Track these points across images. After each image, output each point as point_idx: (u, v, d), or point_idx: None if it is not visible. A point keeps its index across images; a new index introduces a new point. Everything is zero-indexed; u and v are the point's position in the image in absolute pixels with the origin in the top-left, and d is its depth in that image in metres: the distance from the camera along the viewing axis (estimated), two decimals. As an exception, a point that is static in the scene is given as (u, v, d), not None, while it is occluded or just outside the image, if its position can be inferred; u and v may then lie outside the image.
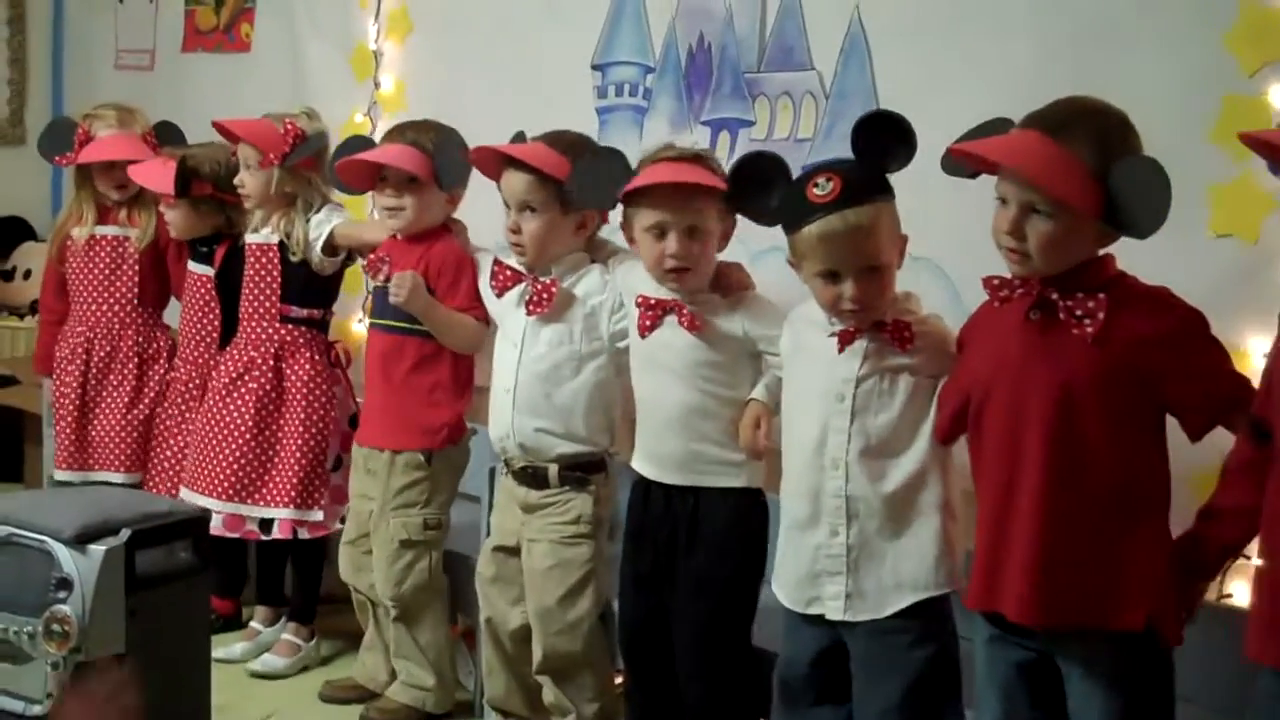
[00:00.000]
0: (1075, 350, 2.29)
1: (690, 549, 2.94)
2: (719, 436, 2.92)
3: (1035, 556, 2.32)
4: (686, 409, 2.93)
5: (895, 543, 2.60)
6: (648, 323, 2.96)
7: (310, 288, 3.89)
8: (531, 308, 3.21)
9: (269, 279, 3.88)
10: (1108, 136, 2.28)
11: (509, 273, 3.29)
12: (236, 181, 3.89)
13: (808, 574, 2.67)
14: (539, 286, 3.21)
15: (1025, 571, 2.33)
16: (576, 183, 3.08)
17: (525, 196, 3.19)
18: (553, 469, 3.22)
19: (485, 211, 3.52)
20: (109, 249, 4.26)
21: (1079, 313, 2.29)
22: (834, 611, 2.64)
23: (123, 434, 4.23)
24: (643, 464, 3.04)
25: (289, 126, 3.80)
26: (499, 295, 3.31)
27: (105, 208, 4.28)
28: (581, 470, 3.23)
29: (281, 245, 3.85)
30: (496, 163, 3.26)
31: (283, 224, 3.84)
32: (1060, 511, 2.31)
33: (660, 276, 2.95)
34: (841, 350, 2.60)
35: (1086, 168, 2.25)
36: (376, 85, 4.40)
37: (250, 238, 3.92)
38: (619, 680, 3.35)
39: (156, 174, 4.06)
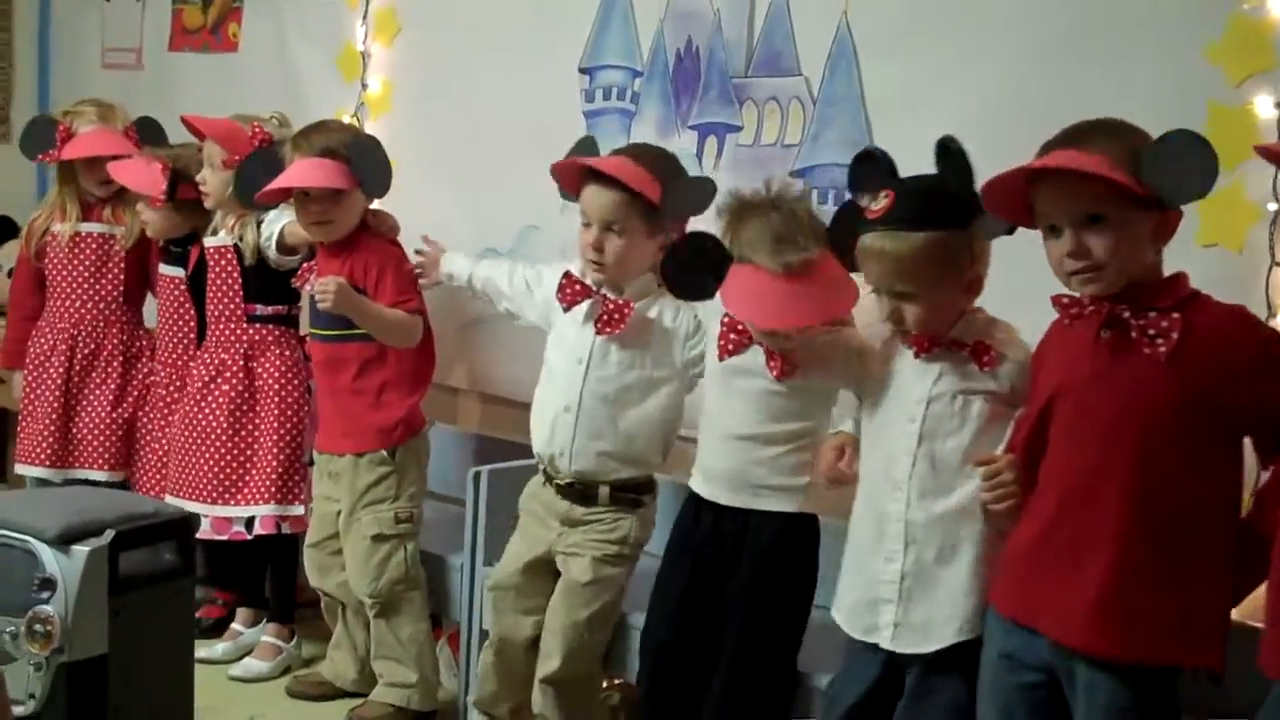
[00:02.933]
0: (1148, 371, 2.25)
1: (735, 571, 2.88)
2: (775, 461, 2.85)
3: (1111, 586, 2.26)
4: (748, 430, 2.87)
5: (949, 574, 2.55)
6: (730, 346, 2.88)
7: (273, 285, 3.89)
8: (602, 327, 3.12)
9: (230, 281, 3.89)
10: (1120, 132, 2.30)
11: (578, 286, 3.17)
12: (199, 178, 3.91)
13: (867, 600, 2.64)
14: (611, 305, 3.12)
15: (1099, 601, 2.27)
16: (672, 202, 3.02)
17: (610, 216, 3.08)
18: (604, 489, 3.16)
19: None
20: (95, 246, 4.26)
21: (1151, 331, 2.24)
22: (885, 640, 2.60)
23: (107, 432, 4.24)
24: (697, 480, 2.98)
25: (256, 130, 3.82)
26: (566, 309, 3.20)
27: (88, 204, 4.28)
28: (634, 491, 3.18)
29: (237, 247, 3.87)
30: (578, 176, 3.16)
31: (237, 227, 3.86)
32: (1136, 537, 2.25)
33: (767, 342, 2.85)
34: (917, 356, 2.57)
35: (1117, 162, 2.24)
36: (364, 86, 4.38)
37: (208, 241, 3.94)
38: (605, 686, 3.35)
39: (142, 175, 4.05)
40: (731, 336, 2.87)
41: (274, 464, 3.85)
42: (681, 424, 3.19)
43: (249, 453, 3.88)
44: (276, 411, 3.87)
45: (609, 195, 3.08)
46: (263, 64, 4.75)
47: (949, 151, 2.52)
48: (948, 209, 2.50)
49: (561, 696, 3.23)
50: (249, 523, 3.87)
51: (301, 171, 3.50)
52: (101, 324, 4.27)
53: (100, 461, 4.24)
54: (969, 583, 2.54)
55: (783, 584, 2.84)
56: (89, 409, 4.25)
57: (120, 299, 4.28)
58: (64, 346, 4.25)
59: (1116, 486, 2.27)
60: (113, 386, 4.25)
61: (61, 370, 4.24)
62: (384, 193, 3.51)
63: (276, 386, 3.88)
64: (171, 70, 5.13)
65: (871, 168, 2.62)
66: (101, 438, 4.24)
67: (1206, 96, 2.69)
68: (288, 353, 3.92)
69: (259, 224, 3.83)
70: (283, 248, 3.80)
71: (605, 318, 3.12)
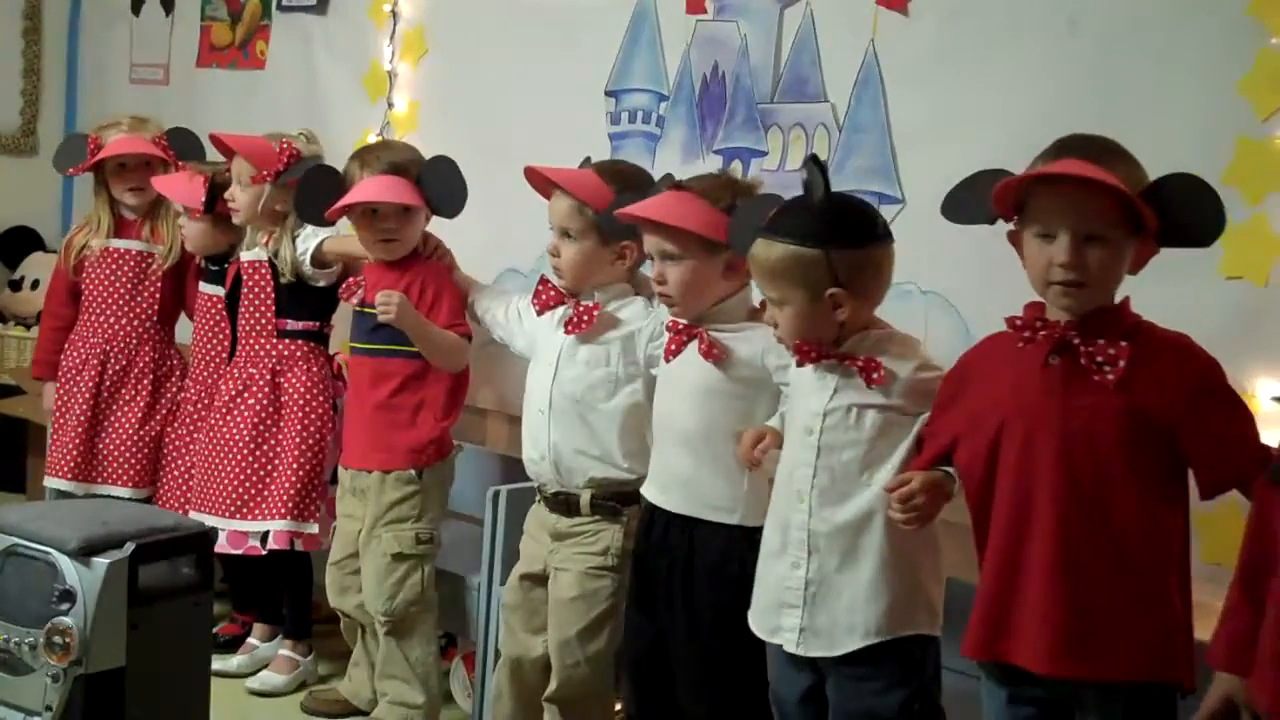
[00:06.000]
0: (1096, 397, 2.28)
1: (686, 582, 2.93)
2: (718, 469, 2.90)
3: (1055, 605, 2.29)
4: (689, 436, 2.94)
5: (851, 581, 2.60)
6: (673, 347, 2.98)
7: (306, 300, 3.91)
8: (571, 328, 3.20)
9: (263, 295, 3.90)
10: (1128, 157, 2.31)
11: (553, 293, 3.29)
12: (227, 195, 3.93)
13: (772, 603, 2.69)
14: (580, 308, 3.20)
15: (1045, 620, 2.30)
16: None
17: (564, 222, 3.21)
18: (585, 495, 3.20)
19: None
20: (133, 264, 4.26)
21: (1100, 359, 2.27)
22: (789, 644, 2.65)
23: (133, 449, 4.23)
24: (650, 488, 3.04)
25: (284, 146, 3.85)
26: (540, 313, 3.31)
27: (125, 221, 4.29)
28: (615, 500, 3.20)
29: (272, 262, 3.88)
30: (546, 184, 3.27)
31: (271, 242, 3.88)
32: (1079, 560, 2.29)
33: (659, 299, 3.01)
34: (800, 364, 2.65)
35: (1128, 186, 2.25)
36: (390, 106, 4.41)
37: (244, 255, 3.95)
38: (618, 708, 3.34)
39: (182, 187, 4.08)
40: (674, 337, 2.97)
41: (293, 479, 3.84)
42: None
43: (269, 467, 3.87)
44: (299, 427, 3.86)
45: (563, 202, 3.22)
46: (290, 82, 4.78)
47: (818, 167, 2.56)
48: (806, 227, 2.57)
49: (566, 713, 3.25)
50: (263, 538, 3.87)
51: (376, 188, 3.51)
52: (134, 341, 4.26)
53: (125, 478, 4.23)
54: (871, 589, 2.58)
55: (738, 598, 2.84)
56: (117, 425, 4.24)
57: (154, 317, 4.28)
58: (95, 362, 4.24)
59: (1065, 512, 2.29)
60: (141, 404, 4.25)
61: (92, 385, 4.23)
62: (458, 211, 3.54)
63: (301, 402, 3.87)
64: (199, 86, 5.15)
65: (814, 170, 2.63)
66: (127, 454, 4.23)
67: (1235, 130, 2.70)
68: (315, 369, 3.91)
69: (294, 238, 3.85)
70: (317, 262, 3.83)
71: (574, 319, 3.20)
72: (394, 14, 4.40)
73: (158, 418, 4.26)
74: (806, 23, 3.41)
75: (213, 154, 4.20)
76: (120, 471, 4.23)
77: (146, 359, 4.27)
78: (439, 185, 3.53)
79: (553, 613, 3.24)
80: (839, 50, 3.35)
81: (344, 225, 3.80)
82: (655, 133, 3.74)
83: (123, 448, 4.23)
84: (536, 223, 3.48)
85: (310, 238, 3.82)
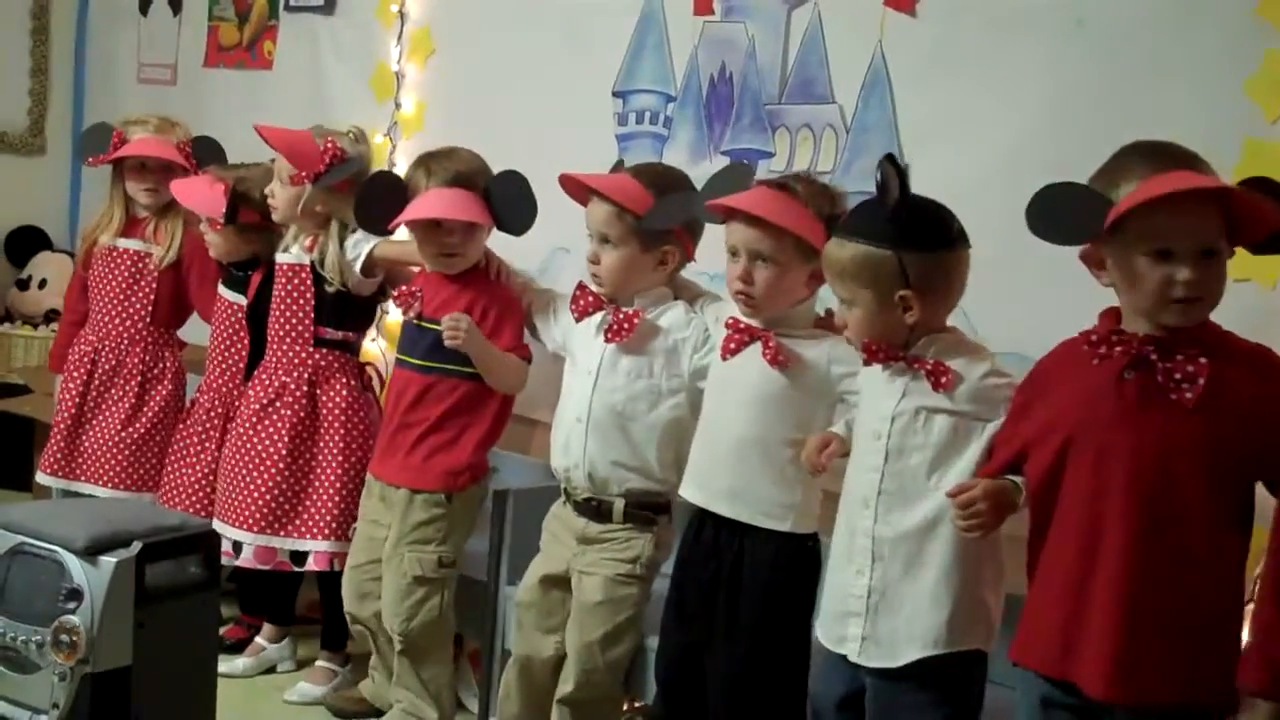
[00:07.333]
0: (1174, 417, 2.19)
1: (732, 588, 2.88)
2: (771, 475, 2.85)
3: (1120, 635, 2.23)
4: (744, 441, 2.88)
5: (914, 591, 2.55)
6: (732, 345, 2.91)
7: (347, 309, 3.80)
8: (611, 335, 3.15)
9: (301, 300, 3.78)
10: (1205, 164, 2.25)
11: (591, 298, 3.23)
12: (267, 191, 3.80)
13: (838, 612, 2.64)
14: (621, 315, 3.15)
15: (1111, 648, 2.23)
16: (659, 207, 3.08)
17: (603, 228, 3.14)
18: (619, 503, 3.16)
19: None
20: (129, 262, 4.23)
21: (1178, 376, 2.19)
22: (853, 653, 2.60)
23: (113, 450, 4.20)
24: (690, 489, 2.99)
25: (329, 145, 3.70)
26: (578, 319, 3.24)
27: (135, 219, 4.26)
28: (649, 510, 3.17)
29: (314, 266, 3.76)
30: (583, 191, 3.21)
31: (317, 247, 3.75)
32: (1147, 590, 2.21)
33: (732, 297, 2.92)
34: (867, 364, 2.61)
35: None
36: (397, 106, 4.42)
37: (281, 257, 3.82)
38: (626, 709, 3.34)
39: (203, 196, 3.99)
40: (734, 336, 2.90)
41: (334, 498, 3.74)
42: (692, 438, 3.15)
43: (304, 483, 3.77)
44: (341, 444, 3.76)
45: (601, 208, 3.15)
46: (297, 82, 4.79)
47: (894, 167, 2.50)
48: (879, 228, 2.52)
49: (579, 717, 3.23)
50: (294, 555, 3.79)
51: (444, 202, 3.40)
52: (125, 342, 4.22)
53: (103, 478, 4.19)
54: (933, 598, 2.54)
55: (784, 606, 2.83)
56: (100, 425, 4.21)
57: (148, 319, 4.23)
58: (87, 359, 4.23)
59: (1135, 533, 2.22)
60: (126, 405, 4.21)
61: (81, 382, 4.22)
62: (525, 230, 3.43)
63: (343, 417, 3.78)
64: (206, 87, 5.17)
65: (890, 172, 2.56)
66: (107, 455, 4.20)
67: (1242, 130, 2.69)
68: (352, 381, 3.81)
69: (342, 243, 3.72)
70: (366, 270, 3.72)
71: (615, 326, 3.15)
72: (401, 14, 4.42)
73: (142, 420, 4.21)
74: (814, 24, 3.42)
75: (233, 155, 4.19)
76: (99, 471, 4.20)
77: (136, 360, 4.22)
78: (508, 203, 3.41)
79: (576, 616, 3.21)
80: (846, 51, 3.36)
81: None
82: (663, 134, 3.74)
83: (103, 448, 4.20)
84: (542, 223, 3.48)
85: (361, 243, 3.69)
